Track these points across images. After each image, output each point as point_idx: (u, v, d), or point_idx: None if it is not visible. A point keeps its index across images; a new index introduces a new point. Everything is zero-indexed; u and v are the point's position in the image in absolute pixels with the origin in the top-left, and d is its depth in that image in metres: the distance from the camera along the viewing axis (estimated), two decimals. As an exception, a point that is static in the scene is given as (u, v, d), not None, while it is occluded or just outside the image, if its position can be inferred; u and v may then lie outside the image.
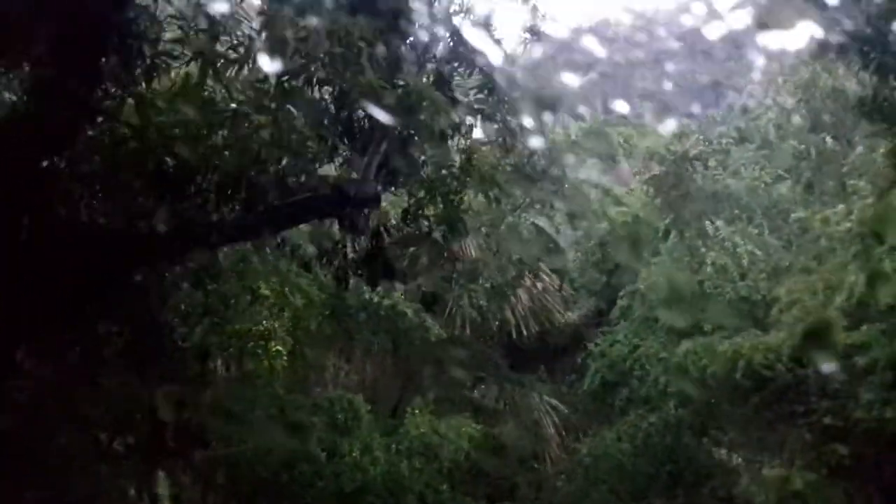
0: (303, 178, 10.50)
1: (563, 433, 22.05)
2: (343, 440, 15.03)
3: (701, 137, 22.09)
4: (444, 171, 11.74)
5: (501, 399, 19.50)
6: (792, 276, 17.74)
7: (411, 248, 11.83)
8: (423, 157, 11.08)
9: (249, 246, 12.28)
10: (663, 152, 20.75)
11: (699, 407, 19.72)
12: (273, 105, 9.69)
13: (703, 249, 19.23)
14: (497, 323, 20.59)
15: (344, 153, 11.30)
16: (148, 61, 8.83)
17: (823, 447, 17.29)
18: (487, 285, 18.14)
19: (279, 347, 12.56)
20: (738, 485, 19.93)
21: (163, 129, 9.18)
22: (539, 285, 21.81)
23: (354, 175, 10.99)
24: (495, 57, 12.37)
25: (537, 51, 14.98)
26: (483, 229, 18.64)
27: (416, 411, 15.80)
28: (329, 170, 11.36)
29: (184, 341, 11.92)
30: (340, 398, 16.26)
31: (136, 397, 12.68)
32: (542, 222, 19.17)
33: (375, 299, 16.43)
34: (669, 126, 26.67)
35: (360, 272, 11.96)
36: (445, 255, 12.65)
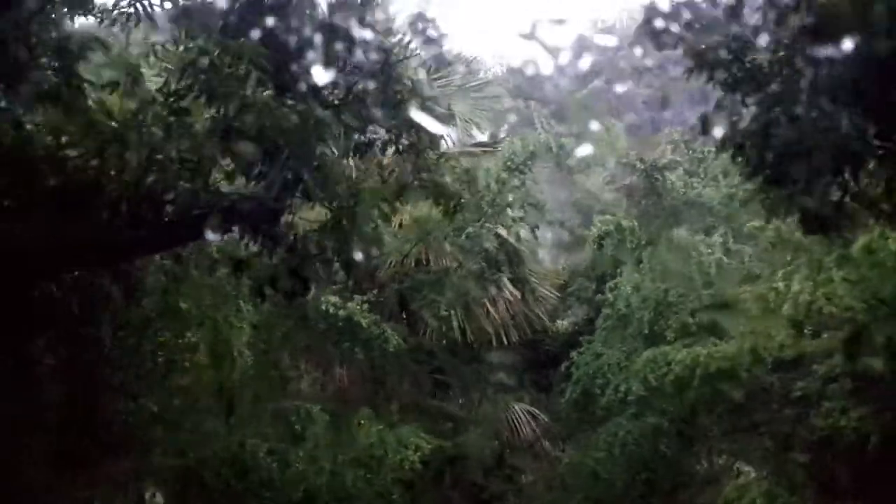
0: (198, 195, 10.81)
1: (542, 441, 22.22)
2: (293, 450, 15.31)
3: (681, 145, 22.12)
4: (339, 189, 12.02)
5: (466, 408, 19.62)
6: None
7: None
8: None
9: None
10: (634, 161, 20.80)
11: (676, 415, 19.73)
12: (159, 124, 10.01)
13: (670, 258, 19.24)
14: (469, 332, 20.74)
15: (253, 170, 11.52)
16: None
17: (783, 456, 17.29)
18: (449, 295, 18.28)
19: (205, 359, 12.85)
20: (716, 492, 19.86)
21: (46, 151, 9.57)
22: (515, 294, 21.93)
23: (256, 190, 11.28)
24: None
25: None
26: (448, 239, 18.94)
27: (362, 421, 16.01)
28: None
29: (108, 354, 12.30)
30: (298, 408, 16.53)
31: (76, 408, 13.12)
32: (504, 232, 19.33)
33: (331, 310, 16.65)
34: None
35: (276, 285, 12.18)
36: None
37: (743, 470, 19.89)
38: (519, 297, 22.28)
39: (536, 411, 22.17)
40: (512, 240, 19.28)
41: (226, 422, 14.53)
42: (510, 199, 18.30)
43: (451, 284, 18.41)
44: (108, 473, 14.10)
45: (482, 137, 23.45)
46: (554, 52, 12.58)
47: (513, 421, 21.83)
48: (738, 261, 19.51)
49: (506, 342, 22.22)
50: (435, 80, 22.79)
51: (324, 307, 16.75)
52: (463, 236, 18.22)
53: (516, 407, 22.15)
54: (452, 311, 19.62)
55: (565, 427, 22.30)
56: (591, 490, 20.49)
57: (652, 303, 19.14)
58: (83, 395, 13.12)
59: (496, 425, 19.80)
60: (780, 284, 15.78)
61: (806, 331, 16.34)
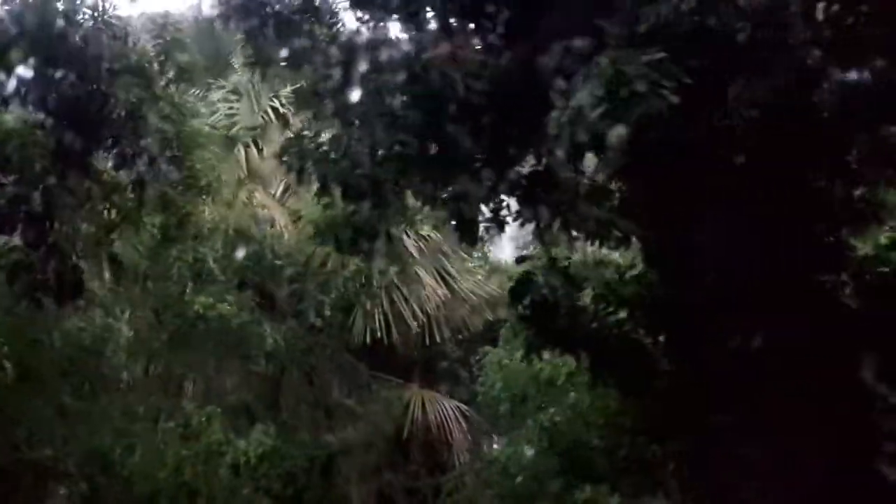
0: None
1: (468, 437, 22.35)
2: (143, 446, 16.03)
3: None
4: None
5: (366, 404, 20.01)
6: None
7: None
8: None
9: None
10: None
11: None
12: None
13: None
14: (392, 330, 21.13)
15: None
16: None
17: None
18: (333, 296, 18.66)
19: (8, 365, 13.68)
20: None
21: None
22: (441, 293, 22.17)
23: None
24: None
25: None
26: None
27: (205, 419, 16.59)
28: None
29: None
30: (173, 409, 17.29)
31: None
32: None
33: (201, 310, 17.23)
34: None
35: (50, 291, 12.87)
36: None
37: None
38: (448, 294, 22.56)
39: (465, 407, 22.31)
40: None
41: (62, 419, 15.30)
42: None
43: (337, 285, 18.74)
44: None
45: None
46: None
47: (440, 417, 22.13)
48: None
49: (438, 339, 22.58)
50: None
51: (196, 308, 17.29)
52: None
53: (445, 403, 22.41)
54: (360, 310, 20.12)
55: (497, 422, 22.35)
56: (510, 486, 20.48)
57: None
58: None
59: (395, 419, 20.09)
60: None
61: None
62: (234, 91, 22.06)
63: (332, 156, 8.47)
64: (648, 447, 10.20)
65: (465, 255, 23.23)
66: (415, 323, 21.82)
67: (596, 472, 12.32)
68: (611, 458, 11.32)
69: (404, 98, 7.27)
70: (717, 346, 7.43)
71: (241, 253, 18.16)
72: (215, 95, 21.42)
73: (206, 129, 17.45)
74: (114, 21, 12.39)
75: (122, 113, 12.51)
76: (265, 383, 19.09)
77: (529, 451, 16.10)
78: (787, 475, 7.08)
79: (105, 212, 12.97)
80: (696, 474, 8.91)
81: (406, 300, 21.78)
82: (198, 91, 20.27)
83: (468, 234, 9.16)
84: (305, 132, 9.08)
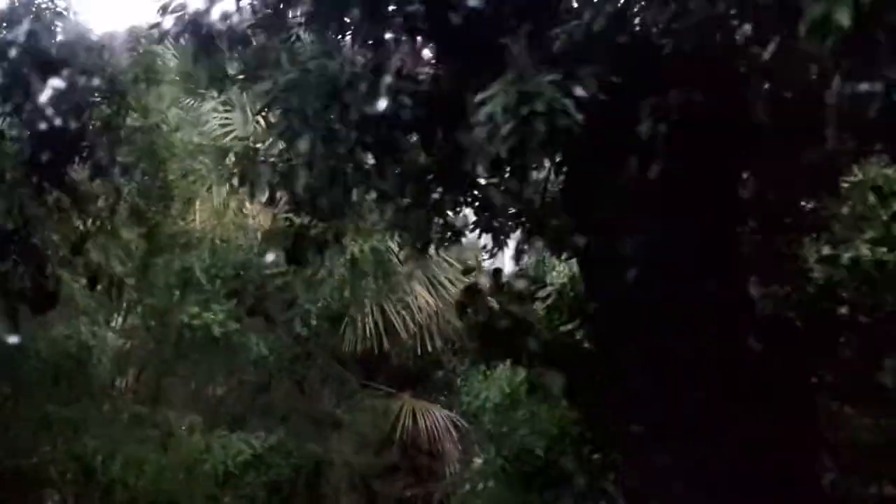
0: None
1: (458, 446, 22.45)
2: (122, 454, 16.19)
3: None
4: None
5: (352, 413, 20.14)
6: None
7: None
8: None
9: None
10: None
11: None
12: None
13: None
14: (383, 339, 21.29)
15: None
16: None
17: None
18: (320, 305, 18.78)
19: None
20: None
21: None
22: (433, 302, 22.30)
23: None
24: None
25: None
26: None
27: (185, 428, 16.76)
28: None
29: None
30: (157, 417, 17.48)
31: None
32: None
33: (186, 319, 17.40)
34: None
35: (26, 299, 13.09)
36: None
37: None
38: (441, 304, 22.67)
39: (456, 417, 22.39)
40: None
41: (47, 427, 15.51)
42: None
43: (324, 294, 18.84)
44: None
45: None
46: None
47: (431, 427, 22.24)
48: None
49: (431, 348, 22.69)
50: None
51: (183, 318, 17.47)
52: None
53: (437, 413, 22.52)
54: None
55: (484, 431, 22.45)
56: (484, 495, 20.57)
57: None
58: None
59: (383, 429, 20.21)
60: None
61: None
62: (227, 102, 22.18)
63: (280, 166, 8.62)
64: (591, 456, 10.31)
65: (458, 265, 23.29)
66: (405, 333, 21.93)
67: (538, 481, 12.34)
68: (554, 466, 11.39)
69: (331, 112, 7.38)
70: (639, 355, 7.53)
71: (228, 262, 18.29)
72: (207, 106, 21.48)
73: (196, 139, 17.70)
74: (87, 34, 12.56)
75: (98, 124, 12.71)
76: (253, 392, 19.21)
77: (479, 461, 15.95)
78: (700, 485, 7.16)
79: (80, 222, 13.10)
80: (624, 483, 9.00)
81: (397, 310, 21.89)
82: (191, 102, 20.57)
83: (416, 244, 9.28)
84: (258, 144, 9.24)
